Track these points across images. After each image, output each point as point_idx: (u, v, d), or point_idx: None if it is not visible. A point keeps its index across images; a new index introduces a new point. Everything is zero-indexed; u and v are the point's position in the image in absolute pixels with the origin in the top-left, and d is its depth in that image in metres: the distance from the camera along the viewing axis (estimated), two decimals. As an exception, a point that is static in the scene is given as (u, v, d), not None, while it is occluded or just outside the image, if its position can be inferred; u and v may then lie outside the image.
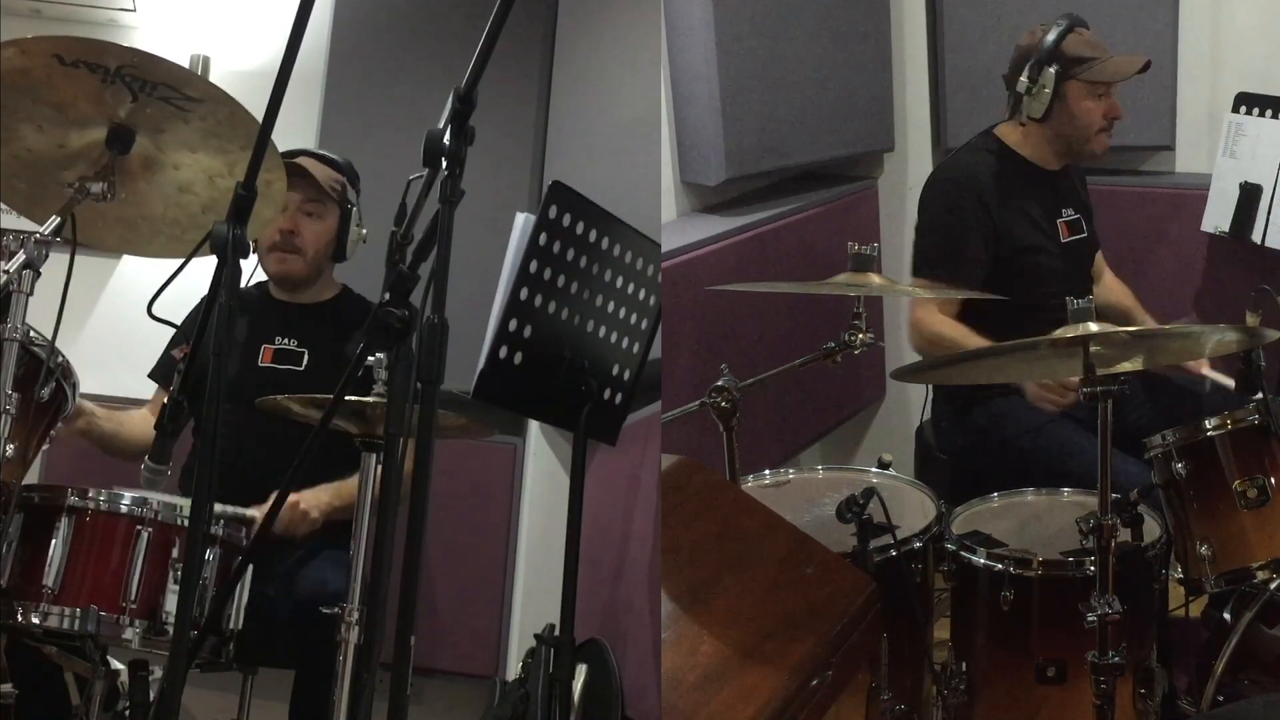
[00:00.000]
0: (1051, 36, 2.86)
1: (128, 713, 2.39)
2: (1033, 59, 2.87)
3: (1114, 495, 2.11)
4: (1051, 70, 2.86)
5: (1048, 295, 2.78)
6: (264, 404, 2.49)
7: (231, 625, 2.36)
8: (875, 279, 2.50)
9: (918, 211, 3.03)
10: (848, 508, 2.17)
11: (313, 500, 2.75)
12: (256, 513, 2.60)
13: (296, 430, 2.75)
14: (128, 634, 2.25)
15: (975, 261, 2.91)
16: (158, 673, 2.44)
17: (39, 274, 2.26)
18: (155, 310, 2.16)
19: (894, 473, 2.67)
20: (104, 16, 3.53)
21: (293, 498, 2.72)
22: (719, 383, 2.40)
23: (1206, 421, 2.37)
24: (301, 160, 2.91)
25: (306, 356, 2.92)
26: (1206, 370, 2.89)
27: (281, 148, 2.39)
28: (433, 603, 3.23)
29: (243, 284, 2.02)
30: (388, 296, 1.66)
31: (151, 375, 3.02)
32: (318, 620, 2.26)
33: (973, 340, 2.79)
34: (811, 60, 3.36)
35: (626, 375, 2.43)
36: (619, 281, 2.37)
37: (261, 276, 3.04)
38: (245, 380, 2.83)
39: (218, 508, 2.58)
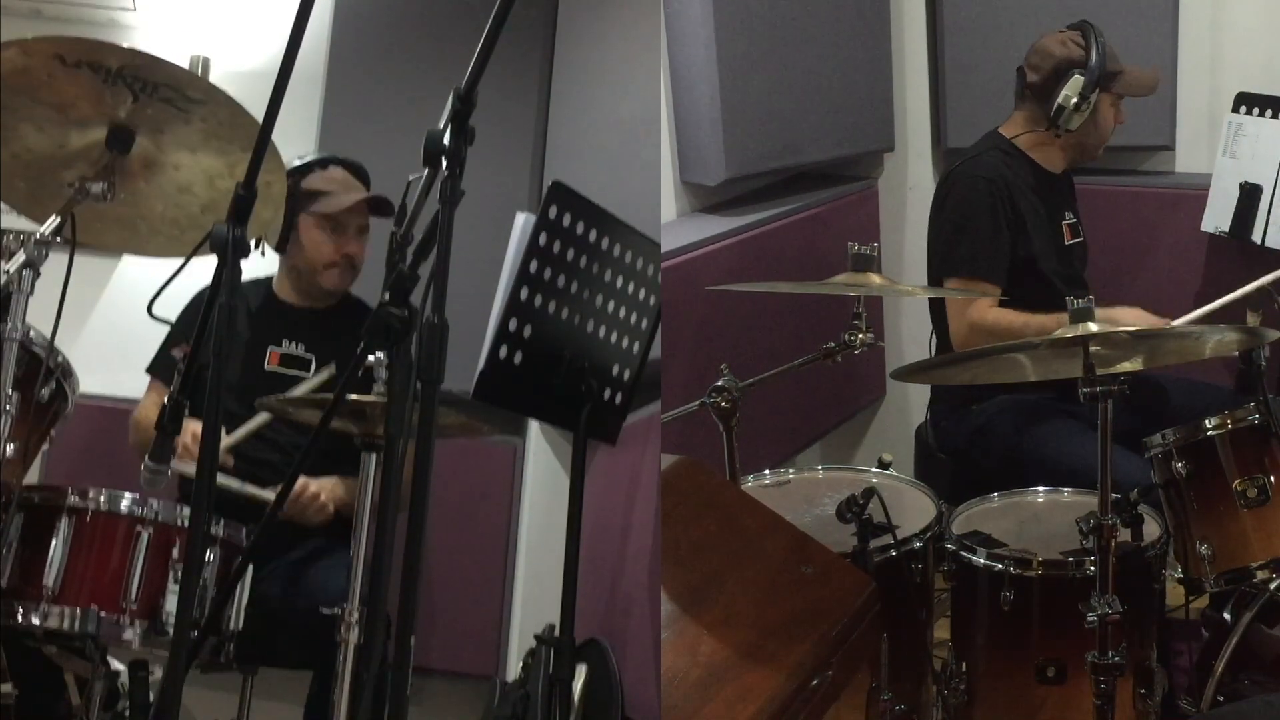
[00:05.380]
0: (1095, 56, 2.87)
1: (128, 713, 2.40)
2: (1084, 79, 2.86)
3: (1114, 495, 2.11)
4: (1097, 90, 2.89)
5: (1050, 298, 2.78)
6: (266, 404, 2.49)
7: (231, 625, 2.36)
8: (875, 279, 2.50)
9: (943, 211, 3.00)
10: (848, 508, 2.17)
11: (329, 490, 2.76)
12: (273, 494, 2.61)
13: (301, 434, 2.76)
14: (128, 634, 2.26)
15: (1007, 261, 2.92)
16: (158, 673, 2.44)
17: (39, 274, 2.27)
18: (155, 310, 2.16)
19: (894, 473, 2.67)
20: (104, 16, 3.53)
21: (312, 487, 2.73)
22: (719, 383, 2.40)
23: (1206, 421, 2.37)
24: (363, 194, 2.94)
25: (314, 363, 2.92)
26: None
27: (282, 148, 2.39)
28: (433, 603, 3.23)
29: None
30: (388, 296, 1.66)
31: (150, 370, 3.00)
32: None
33: (1038, 325, 2.76)
34: (811, 60, 3.35)
35: (626, 375, 2.43)
36: (619, 281, 2.36)
37: (260, 273, 3.04)
38: (251, 383, 2.83)
39: (237, 484, 2.61)
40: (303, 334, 2.94)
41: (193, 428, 2.57)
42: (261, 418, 2.70)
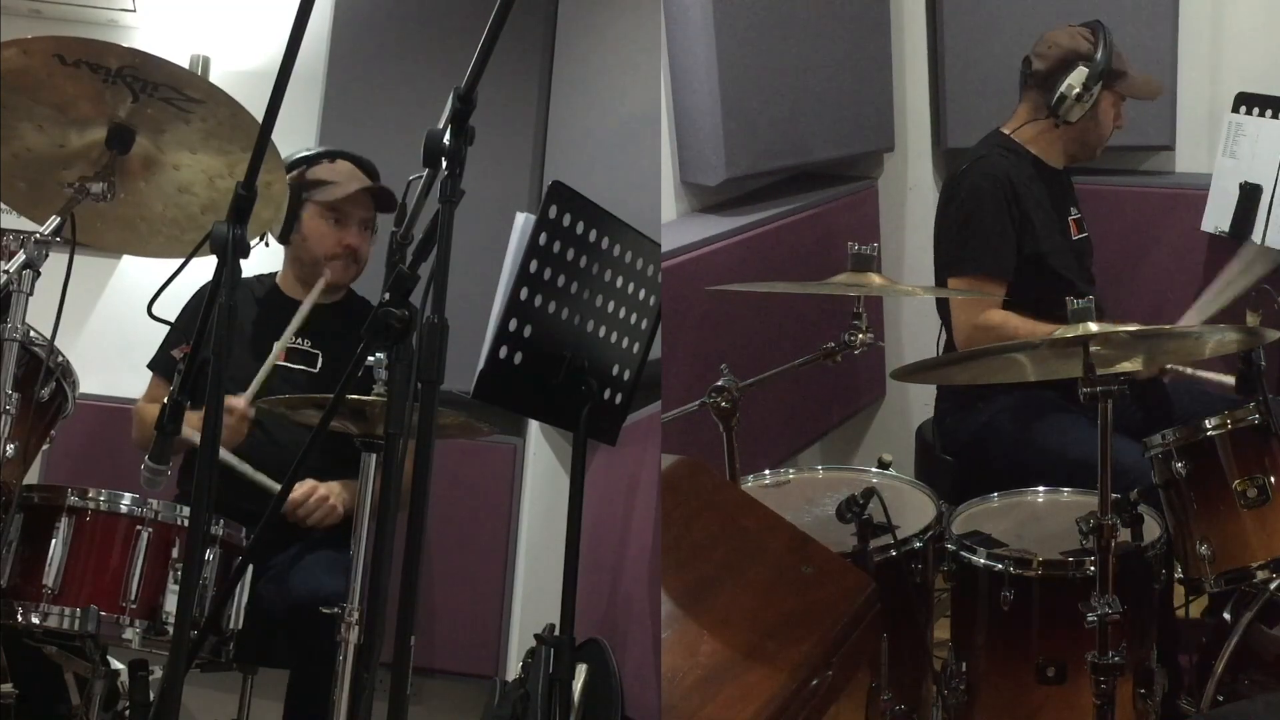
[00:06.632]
0: (1102, 52, 2.89)
1: (128, 713, 2.40)
2: (1088, 70, 2.88)
3: (1114, 495, 2.11)
4: (1100, 84, 2.90)
5: (1059, 294, 2.77)
6: (266, 405, 2.49)
7: (231, 625, 2.36)
8: (875, 279, 2.50)
9: (949, 211, 3.00)
10: (848, 508, 2.17)
11: (337, 493, 2.76)
12: (279, 485, 2.61)
13: (305, 430, 2.76)
14: (128, 634, 2.26)
15: (1013, 259, 2.92)
16: (158, 673, 2.44)
17: (39, 274, 2.27)
18: (155, 310, 2.16)
19: (894, 473, 2.67)
20: (104, 17, 3.54)
21: (320, 489, 2.73)
22: (719, 383, 2.40)
23: (1206, 421, 2.37)
24: (366, 184, 2.94)
25: (321, 358, 2.92)
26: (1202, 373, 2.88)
27: (281, 147, 2.40)
28: (433, 603, 3.23)
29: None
30: (388, 296, 1.66)
31: (151, 366, 3.00)
32: (312, 622, 2.26)
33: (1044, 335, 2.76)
34: (811, 60, 3.35)
35: (626, 375, 2.43)
36: (619, 281, 2.36)
37: (263, 269, 3.04)
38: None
39: (250, 471, 2.60)
40: (308, 329, 2.94)
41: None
42: (268, 366, 2.72)
